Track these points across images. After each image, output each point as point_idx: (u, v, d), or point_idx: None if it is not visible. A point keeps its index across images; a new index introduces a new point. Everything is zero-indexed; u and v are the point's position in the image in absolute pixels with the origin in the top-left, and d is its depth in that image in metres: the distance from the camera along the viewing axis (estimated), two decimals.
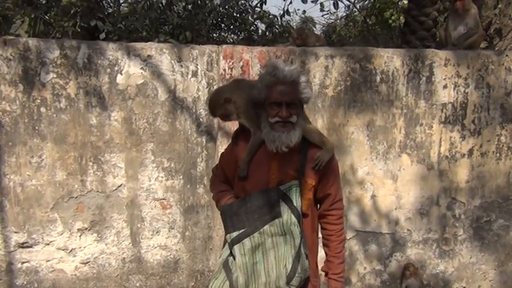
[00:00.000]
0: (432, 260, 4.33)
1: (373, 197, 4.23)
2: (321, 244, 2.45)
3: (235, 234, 2.20)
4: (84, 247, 4.13)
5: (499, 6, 6.72)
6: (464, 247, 4.33)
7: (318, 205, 2.41)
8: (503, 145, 4.24)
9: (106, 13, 7.26)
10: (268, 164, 2.24)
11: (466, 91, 4.18)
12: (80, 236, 4.11)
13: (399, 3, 10.14)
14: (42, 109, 3.94)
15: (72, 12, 6.55)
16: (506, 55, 4.22)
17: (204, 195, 4.19)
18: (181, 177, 4.17)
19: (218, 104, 2.42)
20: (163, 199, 4.17)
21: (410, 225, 4.28)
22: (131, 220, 4.16)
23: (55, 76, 3.94)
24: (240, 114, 2.39)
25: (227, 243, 2.26)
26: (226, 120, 2.54)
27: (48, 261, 4.10)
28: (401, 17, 9.39)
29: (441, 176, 4.24)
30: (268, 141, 2.18)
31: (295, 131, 2.16)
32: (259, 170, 2.26)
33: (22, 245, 4.05)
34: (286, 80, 2.14)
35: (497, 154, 4.25)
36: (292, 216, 2.16)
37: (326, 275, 2.39)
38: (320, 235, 2.44)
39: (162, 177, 4.15)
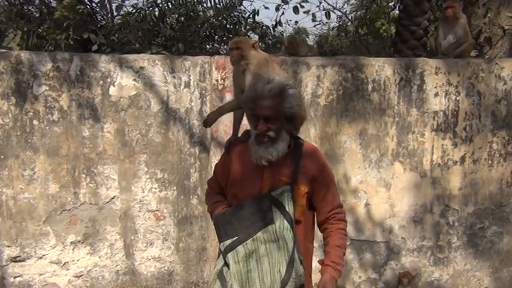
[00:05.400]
0: (427, 268, 4.33)
1: (366, 205, 4.23)
2: (315, 254, 2.43)
3: (228, 242, 2.20)
4: (78, 260, 4.10)
5: (489, 15, 6.78)
6: (458, 254, 4.33)
7: (317, 216, 2.37)
8: (494, 152, 4.27)
9: (99, 25, 7.27)
10: (260, 172, 2.24)
11: (457, 99, 4.21)
12: (73, 249, 4.08)
13: (390, 13, 10.24)
14: (35, 122, 3.94)
15: (65, 25, 6.56)
16: (496, 63, 4.26)
17: (197, 206, 4.19)
18: (174, 188, 4.16)
19: (247, 40, 2.67)
20: (157, 210, 4.16)
21: (404, 233, 4.28)
22: (125, 232, 4.14)
23: (47, 89, 3.94)
24: (249, 68, 2.55)
25: (221, 253, 2.26)
26: (233, 56, 2.63)
27: (41, 275, 4.06)
28: (392, 27, 9.48)
29: (434, 183, 4.26)
30: (252, 153, 2.20)
31: (275, 145, 2.16)
32: (252, 177, 2.26)
33: (14, 259, 4.01)
34: (264, 95, 2.14)
35: (489, 161, 4.27)
36: (285, 221, 2.15)
37: (322, 264, 2.27)
38: (315, 245, 2.41)
39: (155, 188, 4.14)
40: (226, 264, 2.22)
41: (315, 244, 2.55)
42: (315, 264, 2.40)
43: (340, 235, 2.29)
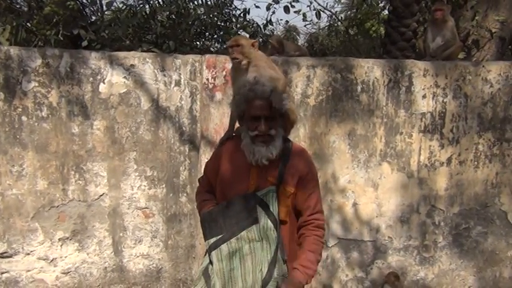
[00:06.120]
0: (413, 267, 4.39)
1: (354, 205, 4.28)
2: None
3: (212, 240, 2.22)
4: (66, 257, 4.09)
5: (476, 18, 6.88)
6: (444, 254, 4.40)
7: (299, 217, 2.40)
8: (480, 153, 4.33)
9: (89, 21, 7.23)
10: (248, 171, 2.27)
11: (445, 101, 4.27)
12: (61, 245, 4.07)
13: (380, 14, 10.31)
14: (24, 118, 3.92)
15: (54, 20, 6.52)
16: (483, 66, 4.32)
17: (186, 203, 4.20)
18: (164, 186, 4.17)
19: (247, 38, 2.68)
20: (146, 208, 4.17)
21: (391, 233, 4.33)
22: (113, 229, 4.14)
23: (37, 85, 3.92)
24: (252, 66, 2.60)
25: (206, 251, 2.28)
26: (233, 54, 2.70)
27: (28, 271, 4.05)
28: (381, 28, 9.55)
29: (421, 184, 4.31)
30: (248, 154, 2.22)
31: (275, 143, 2.21)
32: (240, 177, 2.28)
33: (2, 255, 3.99)
34: (264, 95, 2.18)
35: (475, 162, 4.34)
36: (269, 221, 2.18)
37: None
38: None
39: (144, 186, 4.14)
40: (211, 262, 2.24)
41: None
42: None
43: (315, 241, 2.30)
